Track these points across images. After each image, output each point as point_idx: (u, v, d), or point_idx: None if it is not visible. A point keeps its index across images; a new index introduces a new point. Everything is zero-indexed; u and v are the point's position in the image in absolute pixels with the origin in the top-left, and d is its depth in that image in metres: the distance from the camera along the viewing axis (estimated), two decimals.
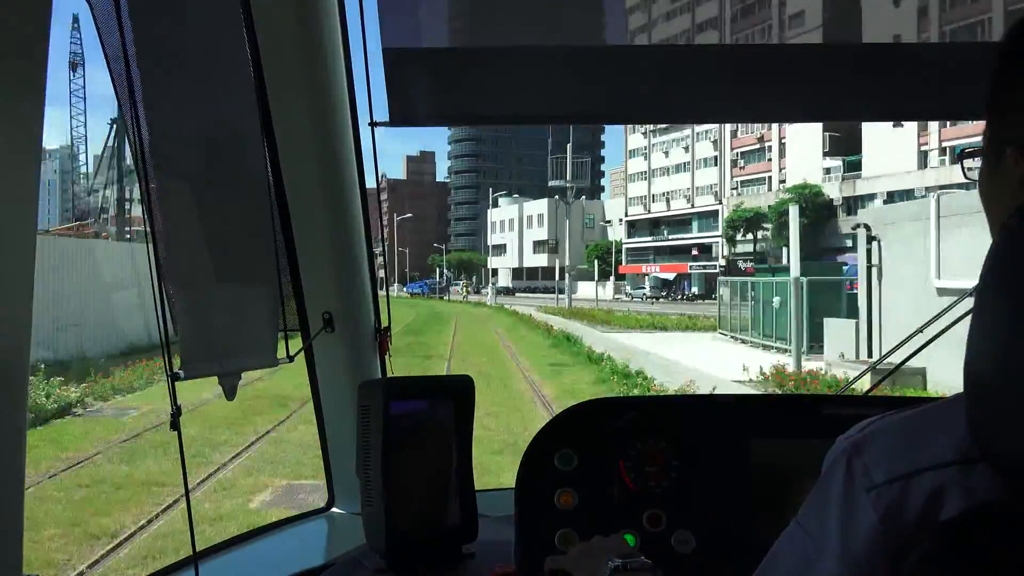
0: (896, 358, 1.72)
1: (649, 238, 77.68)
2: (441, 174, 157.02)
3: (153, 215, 1.14)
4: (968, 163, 0.71)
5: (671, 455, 1.39)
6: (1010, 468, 0.54)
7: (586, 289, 77.84)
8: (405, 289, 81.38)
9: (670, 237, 73.97)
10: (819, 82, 1.59)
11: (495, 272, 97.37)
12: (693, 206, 72.15)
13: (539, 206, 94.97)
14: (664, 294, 65.22)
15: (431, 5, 1.43)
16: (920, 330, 1.73)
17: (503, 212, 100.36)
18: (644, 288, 69.18)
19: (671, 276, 69.62)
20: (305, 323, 1.72)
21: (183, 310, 1.19)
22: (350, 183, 1.67)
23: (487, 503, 1.50)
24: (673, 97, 1.67)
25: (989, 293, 0.55)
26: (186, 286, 1.22)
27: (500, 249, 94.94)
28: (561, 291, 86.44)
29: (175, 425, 1.10)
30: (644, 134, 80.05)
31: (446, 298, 62.55)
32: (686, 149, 74.92)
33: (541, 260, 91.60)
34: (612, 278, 73.21)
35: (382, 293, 1.81)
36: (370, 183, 1.76)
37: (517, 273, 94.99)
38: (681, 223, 73.67)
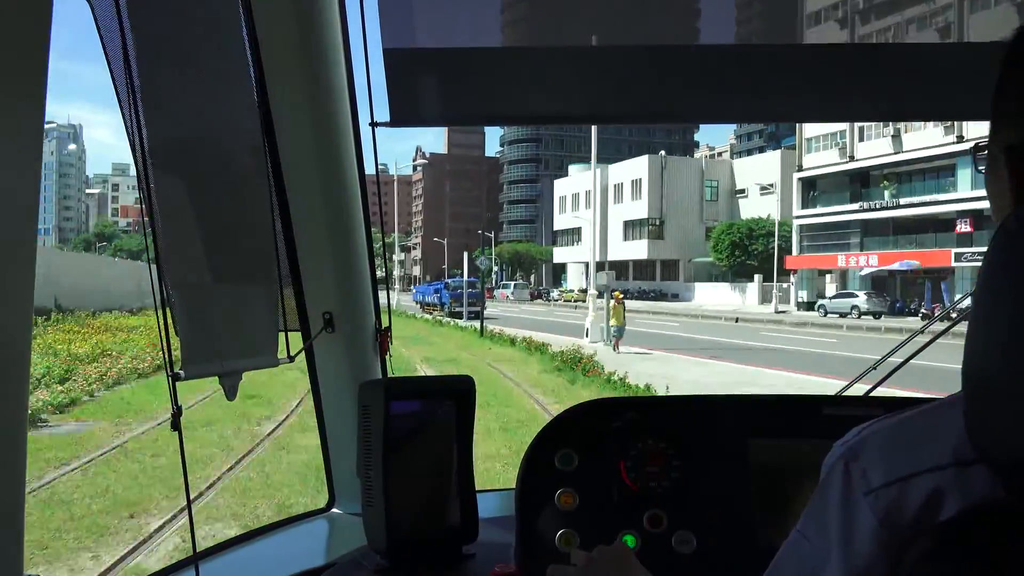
0: (897, 358, 1.72)
1: (853, 207, 40.64)
2: (492, 147, 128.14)
3: (154, 215, 1.14)
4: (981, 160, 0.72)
5: (671, 455, 1.39)
6: (1008, 469, 0.54)
7: (710, 295, 48.80)
8: (413, 298, 48.63)
9: (902, 203, 38.36)
10: (820, 82, 1.59)
11: (562, 268, 68.97)
12: (961, 138, 34.75)
13: (633, 168, 59.95)
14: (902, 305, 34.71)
15: (431, 5, 1.43)
16: (921, 331, 1.73)
17: (575, 183, 64.79)
18: (856, 297, 36.00)
19: (897, 268, 36.60)
20: (306, 323, 1.72)
21: (184, 310, 1.19)
22: (351, 183, 1.67)
23: (487, 503, 1.50)
24: (674, 97, 1.67)
25: (987, 294, 0.55)
26: (187, 286, 1.22)
27: (571, 236, 62.73)
28: (665, 296, 51.63)
29: (176, 425, 1.10)
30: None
31: (483, 316, 26.81)
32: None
33: (635, 250, 59.34)
34: (758, 280, 43.53)
35: (383, 293, 1.80)
36: (371, 183, 1.75)
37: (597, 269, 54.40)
38: (925, 174, 38.07)
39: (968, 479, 0.56)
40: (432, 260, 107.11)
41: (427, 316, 37.09)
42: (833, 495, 0.62)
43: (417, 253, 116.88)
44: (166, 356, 1.09)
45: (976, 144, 0.73)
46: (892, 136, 39.33)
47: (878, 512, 0.58)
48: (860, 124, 38.51)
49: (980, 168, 0.73)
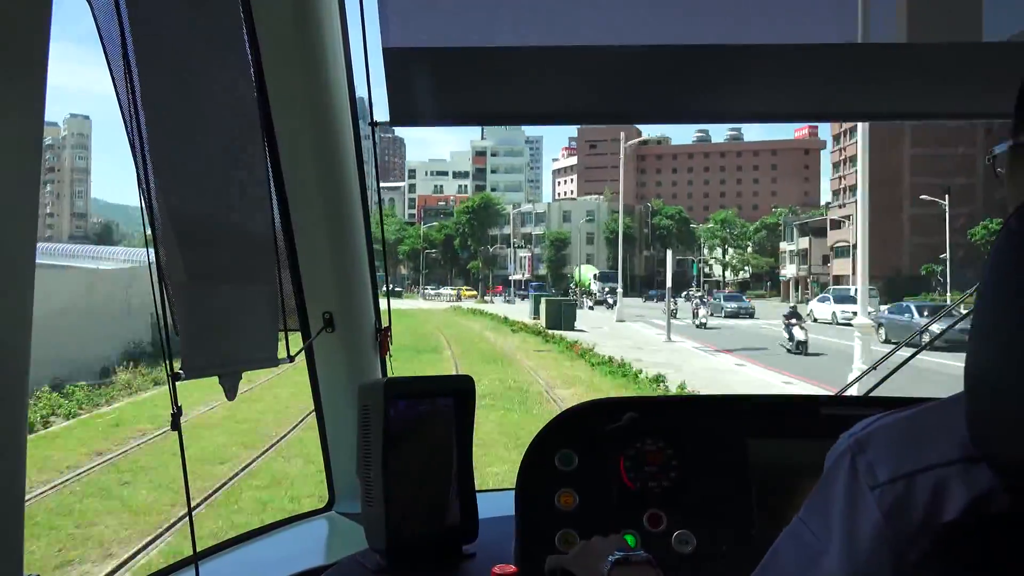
0: (897, 358, 1.72)
1: None
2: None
3: (153, 215, 1.14)
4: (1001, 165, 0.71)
5: (671, 455, 1.39)
6: (1008, 468, 0.54)
7: None
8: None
9: None
10: (821, 81, 1.59)
11: None
12: None
13: None
14: None
15: (431, 5, 1.43)
16: (922, 330, 1.73)
17: None
18: None
19: None
20: (305, 323, 1.72)
21: (184, 310, 1.19)
22: (351, 183, 1.67)
23: (487, 503, 1.50)
24: (675, 96, 1.67)
25: (989, 292, 0.55)
26: (187, 286, 1.22)
27: None
28: None
29: (175, 425, 1.10)
30: None
31: None
32: None
33: None
34: None
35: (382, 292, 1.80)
36: (371, 182, 1.75)
37: None
38: None
39: (975, 476, 0.55)
40: (885, 249, 49.82)
41: None
42: (838, 487, 0.61)
43: (847, 233, 57.79)
44: (166, 356, 1.09)
45: (996, 147, 0.71)
46: None
47: (884, 507, 0.57)
48: None
49: (998, 169, 0.71)
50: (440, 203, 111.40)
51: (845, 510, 0.60)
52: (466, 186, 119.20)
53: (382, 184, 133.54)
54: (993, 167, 0.72)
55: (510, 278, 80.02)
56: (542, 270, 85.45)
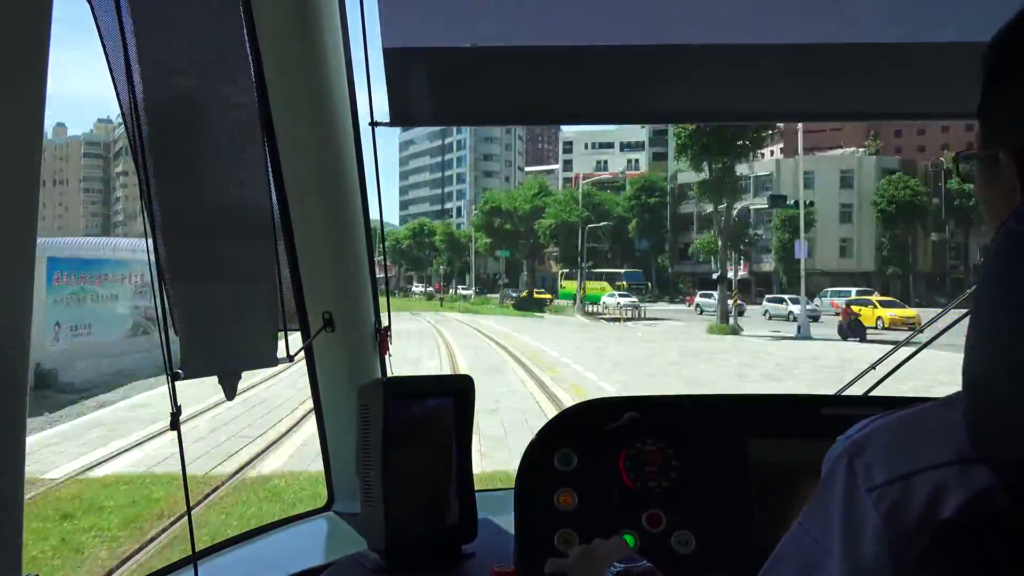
0: (897, 358, 1.72)
1: None
2: None
3: (153, 214, 1.14)
4: (964, 167, 0.71)
5: (670, 455, 1.39)
6: (1008, 469, 0.54)
7: None
8: None
9: None
10: (821, 81, 1.59)
11: None
12: None
13: None
14: None
15: (432, 5, 1.43)
16: (920, 330, 1.73)
17: None
18: None
19: None
20: (305, 322, 1.72)
21: (183, 309, 1.19)
22: (351, 183, 1.67)
23: (487, 503, 1.50)
24: (679, 95, 1.67)
25: (987, 293, 0.55)
26: (186, 285, 1.22)
27: None
28: None
29: (175, 425, 1.10)
30: None
31: None
32: None
33: None
34: None
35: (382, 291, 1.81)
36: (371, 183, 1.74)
37: None
38: None
39: (972, 476, 0.55)
40: None
41: None
42: (836, 490, 0.61)
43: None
44: (166, 355, 1.09)
45: (959, 154, 0.72)
46: None
47: (881, 509, 0.57)
48: None
49: (962, 176, 0.72)
50: (606, 177, 74.30)
51: (844, 513, 0.60)
52: (638, 160, 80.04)
53: (530, 168, 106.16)
54: (957, 170, 0.72)
55: (713, 276, 44.26)
56: (766, 265, 51.22)
